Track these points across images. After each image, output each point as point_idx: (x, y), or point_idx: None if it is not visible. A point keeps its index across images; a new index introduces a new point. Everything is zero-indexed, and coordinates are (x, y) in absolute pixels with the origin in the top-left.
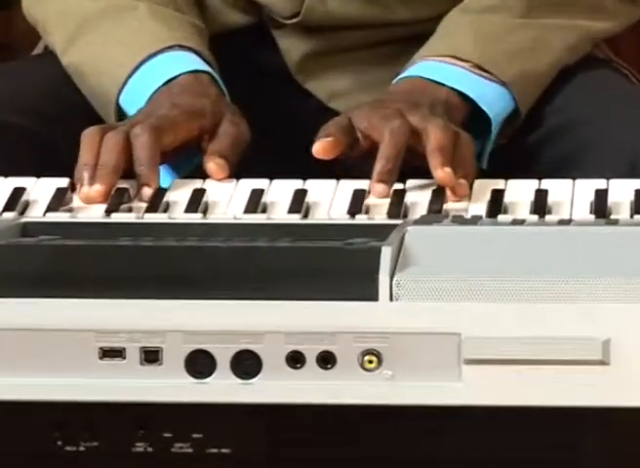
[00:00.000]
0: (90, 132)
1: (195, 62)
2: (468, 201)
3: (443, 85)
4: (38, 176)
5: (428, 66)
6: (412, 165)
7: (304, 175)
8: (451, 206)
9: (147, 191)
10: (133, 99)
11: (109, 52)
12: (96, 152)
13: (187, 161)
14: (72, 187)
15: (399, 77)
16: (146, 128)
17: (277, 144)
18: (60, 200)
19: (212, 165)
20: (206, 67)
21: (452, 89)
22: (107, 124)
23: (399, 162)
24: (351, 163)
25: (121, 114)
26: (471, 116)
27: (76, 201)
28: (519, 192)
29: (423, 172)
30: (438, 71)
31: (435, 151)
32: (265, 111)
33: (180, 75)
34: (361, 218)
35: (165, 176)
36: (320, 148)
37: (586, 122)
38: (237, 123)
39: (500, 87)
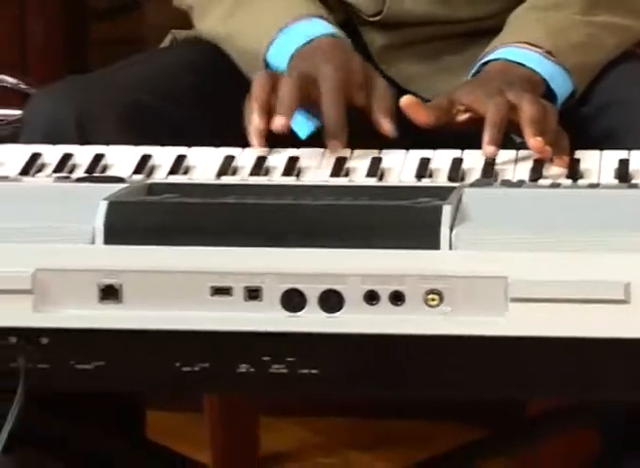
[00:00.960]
0: (263, 75)
1: (334, 29)
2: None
3: (524, 66)
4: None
5: (511, 51)
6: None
7: (383, 146)
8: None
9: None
10: (278, 54)
11: (261, 20)
12: (268, 90)
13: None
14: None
15: (485, 59)
16: (333, 71)
17: (362, 120)
18: (179, 165)
19: (385, 123)
20: (343, 35)
21: (531, 69)
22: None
23: (503, 130)
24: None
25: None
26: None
27: (193, 164)
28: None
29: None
30: (520, 55)
31: (528, 122)
32: None
33: (321, 36)
34: (426, 182)
35: (303, 123)
36: (405, 102)
37: (627, 101)
38: (387, 86)
39: (564, 72)
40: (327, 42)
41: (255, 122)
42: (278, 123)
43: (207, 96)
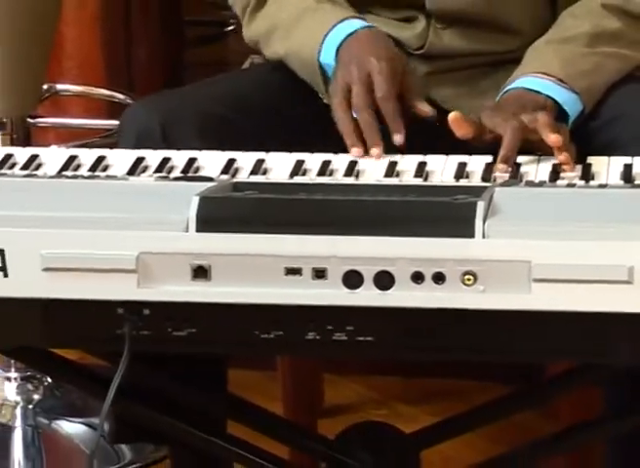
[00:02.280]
0: (339, 106)
1: (370, 24)
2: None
3: (540, 93)
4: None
5: (528, 81)
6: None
7: (426, 152)
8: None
9: (398, 138)
10: (327, 53)
11: (309, 33)
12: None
13: None
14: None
15: (507, 88)
16: (386, 79)
17: (408, 131)
18: (259, 167)
19: (424, 106)
20: (378, 28)
21: (546, 96)
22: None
23: (516, 150)
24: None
25: (323, 72)
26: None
27: (270, 166)
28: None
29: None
30: (535, 84)
31: (545, 126)
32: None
33: (360, 28)
34: (463, 182)
35: None
36: (453, 116)
37: (629, 115)
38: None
39: (574, 95)
40: (365, 33)
41: (355, 152)
42: (375, 153)
43: (277, 110)
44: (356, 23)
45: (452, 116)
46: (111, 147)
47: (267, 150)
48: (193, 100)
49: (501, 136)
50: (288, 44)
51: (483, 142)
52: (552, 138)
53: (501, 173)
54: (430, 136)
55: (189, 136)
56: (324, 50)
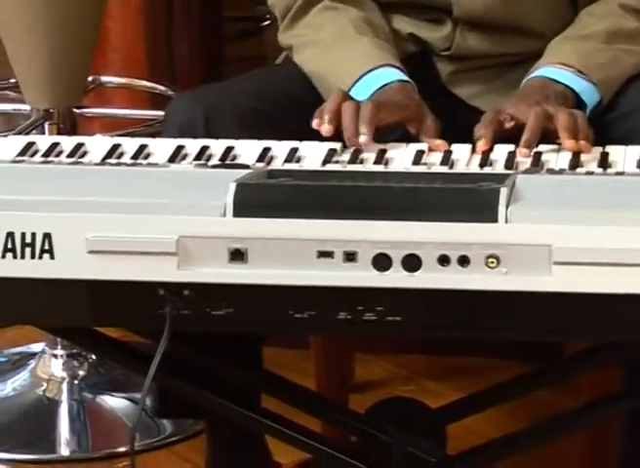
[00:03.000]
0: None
1: (403, 75)
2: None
3: (559, 82)
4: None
5: (548, 70)
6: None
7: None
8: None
9: (364, 139)
10: (359, 96)
11: (345, 65)
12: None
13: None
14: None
15: (529, 77)
16: (371, 103)
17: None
18: (293, 155)
19: (435, 142)
20: (410, 80)
21: (565, 85)
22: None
23: (539, 135)
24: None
25: None
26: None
27: (304, 155)
28: (591, 153)
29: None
30: (555, 73)
31: (564, 129)
32: (430, 107)
33: (393, 82)
34: (487, 170)
35: None
36: (479, 149)
37: None
38: (435, 121)
39: (592, 86)
40: (396, 87)
41: (325, 128)
42: (363, 141)
43: (307, 104)
44: (390, 75)
45: (479, 147)
46: (153, 136)
47: (301, 140)
48: (232, 94)
49: (523, 124)
50: (320, 66)
51: (504, 133)
52: (568, 145)
53: (524, 157)
54: (458, 135)
55: (228, 127)
56: (354, 92)
